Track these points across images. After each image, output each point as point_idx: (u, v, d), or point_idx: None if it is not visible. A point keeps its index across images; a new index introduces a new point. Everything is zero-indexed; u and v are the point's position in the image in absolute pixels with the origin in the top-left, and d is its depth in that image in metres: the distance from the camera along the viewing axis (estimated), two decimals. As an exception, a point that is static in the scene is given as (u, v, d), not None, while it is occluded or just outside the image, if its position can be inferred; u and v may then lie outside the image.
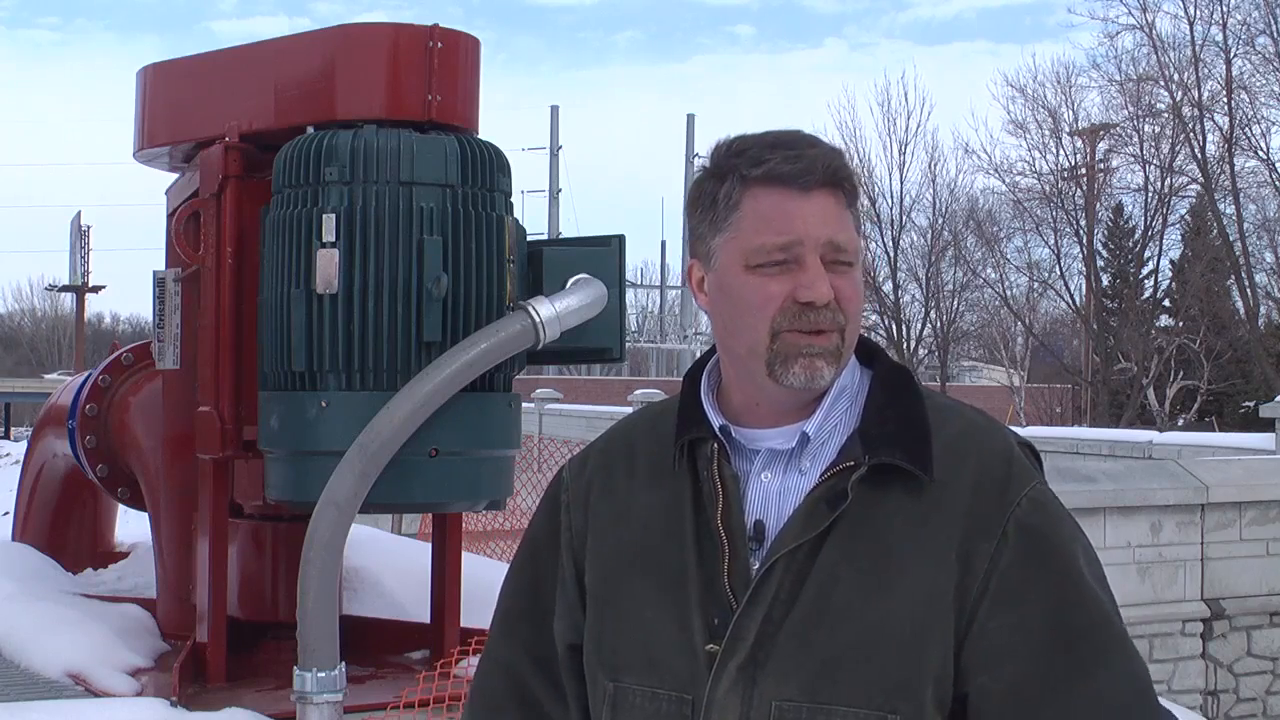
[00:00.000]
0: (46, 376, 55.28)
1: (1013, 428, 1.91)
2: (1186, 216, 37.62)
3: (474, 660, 4.96)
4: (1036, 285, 38.53)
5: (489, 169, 5.07)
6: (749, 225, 1.72)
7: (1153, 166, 34.75)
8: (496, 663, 1.97)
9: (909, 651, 1.65)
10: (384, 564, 6.72)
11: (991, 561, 1.66)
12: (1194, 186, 34.64)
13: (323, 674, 4.39)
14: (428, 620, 5.73)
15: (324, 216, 4.87)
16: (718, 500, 1.74)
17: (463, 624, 5.59)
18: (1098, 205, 36.92)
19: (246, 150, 5.39)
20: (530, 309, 4.86)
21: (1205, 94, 32.27)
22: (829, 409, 1.76)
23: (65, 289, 52.40)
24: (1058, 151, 36.22)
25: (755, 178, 1.71)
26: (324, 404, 4.83)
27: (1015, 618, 1.65)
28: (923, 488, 1.69)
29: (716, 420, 1.79)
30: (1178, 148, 33.68)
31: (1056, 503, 1.75)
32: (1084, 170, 36.33)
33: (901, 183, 38.07)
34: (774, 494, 1.75)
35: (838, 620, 1.66)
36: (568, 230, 53.29)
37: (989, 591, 1.66)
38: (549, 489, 1.97)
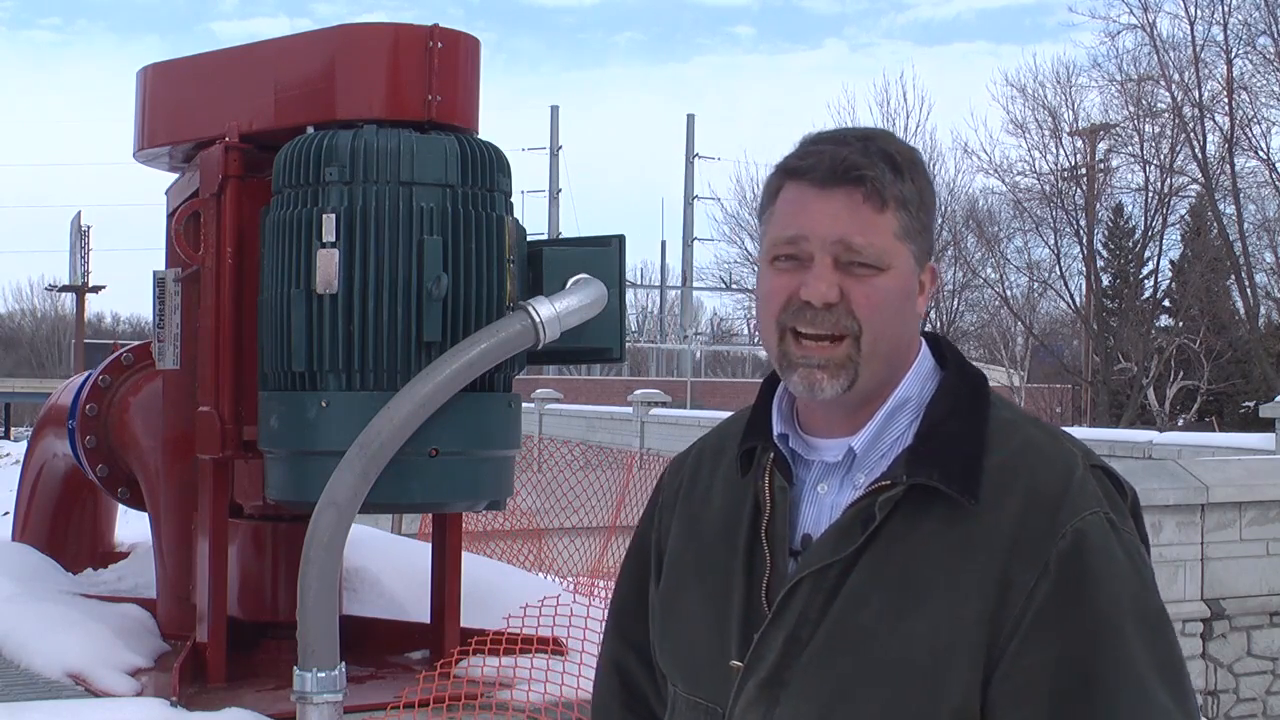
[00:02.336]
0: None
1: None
2: (1186, 216, 37.65)
3: (474, 660, 4.98)
4: (1036, 285, 38.55)
5: (489, 169, 5.07)
6: (775, 219, 1.72)
7: (1153, 166, 34.77)
8: (607, 659, 2.00)
9: (926, 681, 1.57)
10: (384, 564, 6.71)
11: (1029, 595, 1.56)
12: (1194, 186, 34.69)
13: (323, 674, 4.39)
14: (428, 620, 5.72)
15: (324, 216, 4.87)
16: (765, 511, 1.71)
17: (463, 624, 5.58)
18: (1098, 205, 36.93)
19: (246, 150, 5.38)
20: (530, 309, 4.85)
21: (1206, 94, 32.31)
22: (884, 422, 1.69)
23: (65, 289, 52.25)
24: (1058, 151, 36.30)
25: (785, 171, 1.72)
26: (324, 404, 4.83)
27: (1043, 657, 1.55)
28: (965, 511, 1.60)
29: (777, 428, 1.74)
30: (1178, 148, 33.72)
31: (1115, 535, 1.61)
32: (1084, 170, 36.33)
33: (901, 183, 37.98)
34: (826, 508, 1.70)
35: (859, 644, 1.60)
36: (568, 230, 53.31)
37: (1023, 626, 1.56)
38: (655, 488, 1.98)
